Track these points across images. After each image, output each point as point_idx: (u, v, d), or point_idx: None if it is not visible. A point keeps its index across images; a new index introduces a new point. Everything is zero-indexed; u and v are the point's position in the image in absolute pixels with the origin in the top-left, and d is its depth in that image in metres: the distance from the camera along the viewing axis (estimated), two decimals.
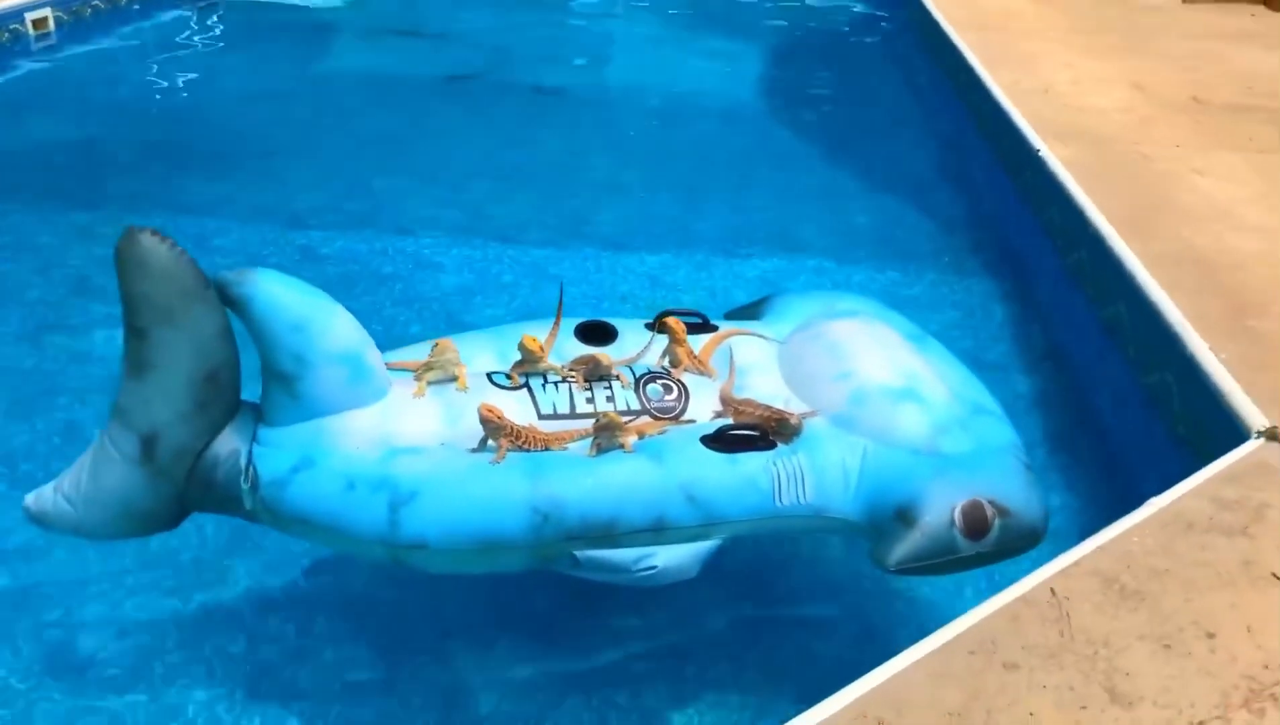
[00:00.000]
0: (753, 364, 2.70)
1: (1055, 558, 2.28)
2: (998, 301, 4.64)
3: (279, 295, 2.31)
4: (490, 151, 6.43)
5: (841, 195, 5.84)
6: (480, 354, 2.61)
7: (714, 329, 2.81)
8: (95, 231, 4.97)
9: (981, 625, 2.08)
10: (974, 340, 4.28)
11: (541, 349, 2.53)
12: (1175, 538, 2.35)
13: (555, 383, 2.51)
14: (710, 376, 2.65)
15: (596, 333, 2.73)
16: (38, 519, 2.40)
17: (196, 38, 8.74)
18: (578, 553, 2.27)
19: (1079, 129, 5.15)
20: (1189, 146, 4.95)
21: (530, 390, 2.48)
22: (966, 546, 2.28)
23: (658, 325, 2.77)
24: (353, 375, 2.36)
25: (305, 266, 4.80)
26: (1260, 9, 8.20)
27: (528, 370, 2.53)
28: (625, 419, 2.40)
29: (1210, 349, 3.13)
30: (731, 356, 2.70)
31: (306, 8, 9.94)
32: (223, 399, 2.34)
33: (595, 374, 2.53)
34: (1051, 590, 2.17)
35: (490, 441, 2.34)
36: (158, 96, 7.39)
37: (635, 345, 2.71)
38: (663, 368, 2.65)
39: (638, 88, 7.96)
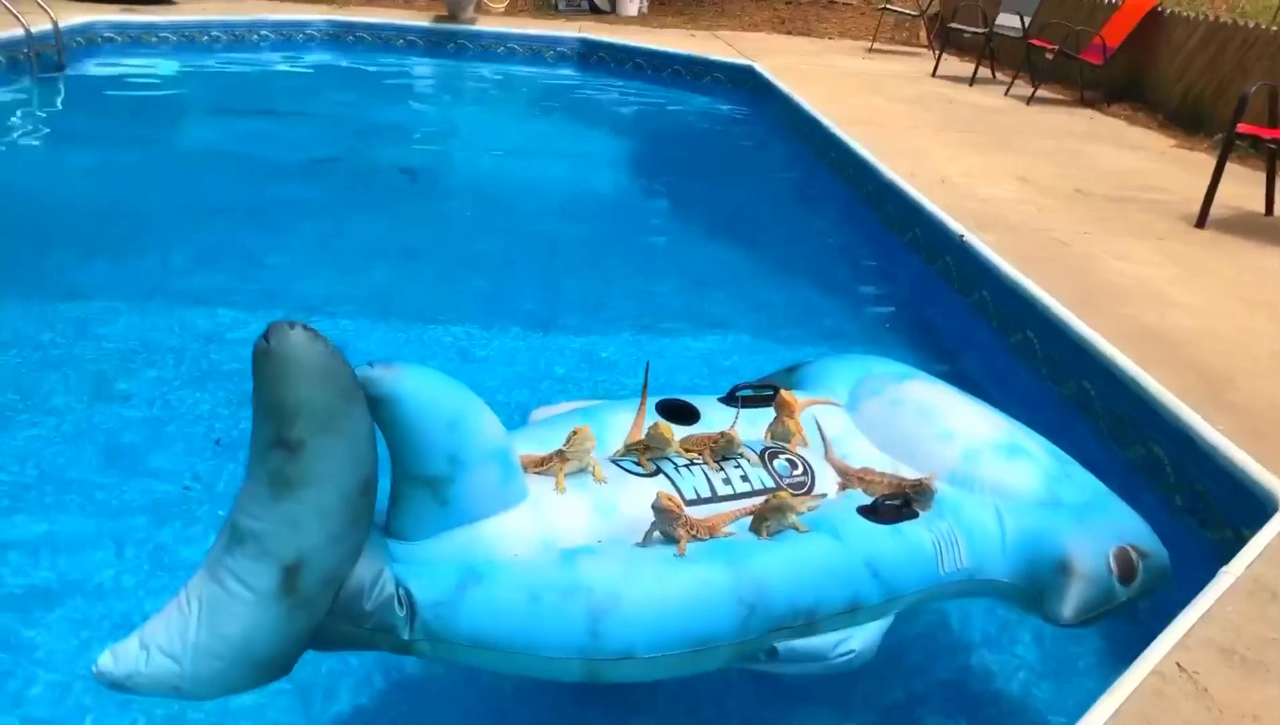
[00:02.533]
0: (838, 433, 2.63)
1: (1164, 631, 2.22)
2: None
3: (431, 390, 2.06)
4: (378, 233, 6.14)
5: (748, 277, 5.85)
6: None
7: None
8: None
9: (1131, 703, 1.99)
10: None
11: (673, 436, 2.35)
12: (1266, 605, 2.34)
13: (687, 465, 2.34)
14: (806, 446, 2.56)
15: (679, 412, 2.59)
16: (122, 683, 1.91)
17: (39, 111, 8.13)
18: (778, 644, 2.10)
19: (989, 217, 5.34)
20: (1096, 233, 5.21)
21: (667, 475, 2.30)
22: (1121, 592, 2.32)
23: (738, 400, 2.67)
24: (504, 474, 2.12)
25: (214, 351, 4.41)
26: (1095, 113, 8.85)
27: (654, 456, 2.34)
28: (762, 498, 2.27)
29: (1205, 420, 3.20)
30: (819, 425, 2.61)
31: (153, 82, 9.42)
32: (370, 512, 2.01)
33: (722, 452, 2.38)
34: (1178, 664, 2.11)
35: (658, 532, 2.14)
36: (3, 171, 6.77)
37: (721, 422, 2.54)
38: (775, 443, 2.53)
39: (508, 174, 7.85)
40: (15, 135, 7.60)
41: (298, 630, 1.95)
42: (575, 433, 2.25)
